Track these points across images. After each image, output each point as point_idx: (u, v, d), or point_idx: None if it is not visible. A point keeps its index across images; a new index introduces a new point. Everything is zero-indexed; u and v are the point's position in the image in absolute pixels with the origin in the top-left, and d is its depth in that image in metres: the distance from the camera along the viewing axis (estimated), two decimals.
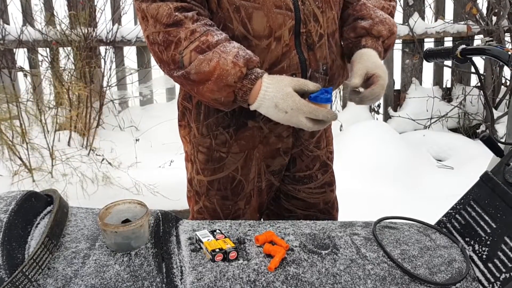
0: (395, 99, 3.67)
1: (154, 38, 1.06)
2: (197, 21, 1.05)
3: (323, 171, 1.37)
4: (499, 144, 1.09)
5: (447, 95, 3.67)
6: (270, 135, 1.25)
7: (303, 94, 1.05)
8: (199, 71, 1.03)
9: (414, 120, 3.52)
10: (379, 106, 3.67)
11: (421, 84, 3.67)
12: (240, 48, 1.05)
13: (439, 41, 3.58)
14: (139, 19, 1.10)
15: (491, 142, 1.06)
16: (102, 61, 3.12)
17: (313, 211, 1.38)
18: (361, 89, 1.17)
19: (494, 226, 1.00)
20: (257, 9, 1.09)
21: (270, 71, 1.13)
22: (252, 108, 1.07)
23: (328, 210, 1.41)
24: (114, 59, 3.23)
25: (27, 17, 3.12)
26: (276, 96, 1.04)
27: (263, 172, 1.29)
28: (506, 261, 0.95)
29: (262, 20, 1.09)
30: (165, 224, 1.03)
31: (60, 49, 3.05)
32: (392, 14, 1.26)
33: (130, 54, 3.37)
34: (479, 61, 3.67)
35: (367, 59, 1.16)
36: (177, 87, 3.61)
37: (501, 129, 3.21)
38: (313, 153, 1.34)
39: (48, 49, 3.06)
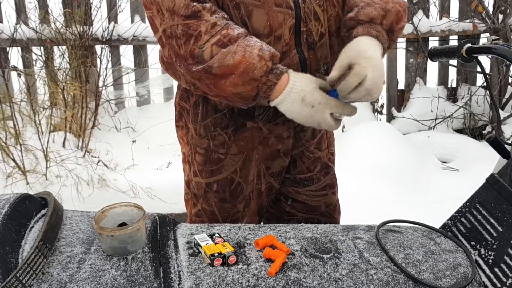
0: (399, 99, 3.66)
1: (173, 31, 1.03)
2: (216, 13, 1.03)
3: (325, 173, 1.35)
4: (505, 145, 1.08)
5: (452, 95, 3.65)
6: (270, 136, 1.23)
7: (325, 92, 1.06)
8: (222, 64, 1.01)
9: (418, 121, 3.51)
10: (382, 106, 3.66)
11: (425, 84, 3.65)
12: (263, 43, 1.04)
13: (444, 39, 3.57)
14: (152, 13, 1.07)
15: (497, 144, 1.06)
16: (98, 60, 3.11)
17: (314, 214, 1.36)
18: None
19: (501, 230, 0.99)
20: (257, 6, 1.07)
21: None
22: (273, 103, 1.06)
23: (330, 213, 1.39)
24: (110, 58, 3.21)
25: (21, 15, 3.11)
26: (304, 89, 1.03)
27: (262, 174, 1.27)
28: None
29: (262, 18, 1.08)
30: (162, 228, 1.02)
31: (55, 48, 3.04)
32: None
33: (126, 53, 3.36)
34: (485, 60, 3.64)
35: (351, 48, 1.06)
36: (175, 87, 3.61)
37: (507, 130, 3.20)
38: (314, 155, 1.32)
39: (42, 48, 3.05)
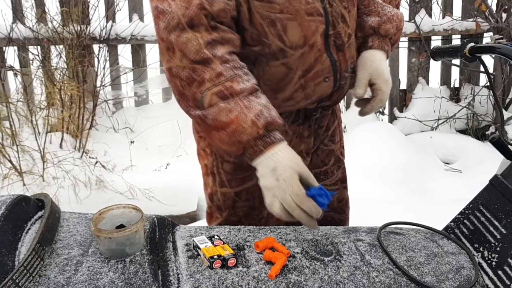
0: (401, 100, 3.64)
1: (177, 72, 1.02)
2: (226, 63, 1.01)
3: (337, 166, 1.37)
4: (509, 146, 1.07)
5: (455, 95, 3.64)
6: (293, 138, 1.24)
7: (305, 184, 1.01)
8: (216, 118, 1.00)
9: (420, 121, 3.49)
10: (384, 106, 3.65)
11: (428, 83, 3.64)
12: (265, 107, 1.01)
13: (446, 39, 3.56)
14: (162, 49, 1.05)
15: (501, 144, 1.05)
16: (96, 59, 3.09)
17: (327, 210, 1.36)
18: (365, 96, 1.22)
19: (504, 232, 0.98)
20: (290, 19, 1.08)
21: (304, 77, 1.13)
22: (253, 163, 1.03)
23: (342, 208, 1.40)
24: (108, 58, 3.20)
25: (18, 14, 3.09)
26: (281, 162, 0.99)
27: None
28: None
29: (296, 30, 1.09)
30: (161, 230, 1.01)
31: (52, 47, 3.02)
32: (398, 5, 1.27)
33: (124, 52, 3.34)
34: (488, 59, 3.64)
35: (370, 65, 1.19)
36: None
37: (511, 130, 3.19)
38: (328, 147, 1.33)
39: (39, 47, 3.03)
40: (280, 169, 0.98)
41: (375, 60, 1.19)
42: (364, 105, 1.23)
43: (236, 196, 1.25)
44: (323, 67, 1.13)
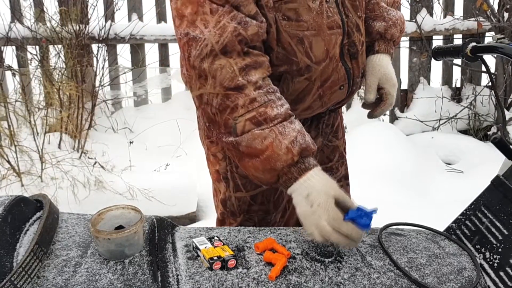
0: (402, 100, 3.63)
1: (210, 99, 1.00)
2: (260, 89, 1.00)
3: (341, 163, 1.38)
4: (511, 146, 1.06)
5: (456, 95, 3.63)
6: None
7: (342, 207, 0.98)
8: (250, 145, 0.98)
9: (422, 122, 3.49)
10: None
11: (429, 83, 3.63)
12: (300, 133, 1.00)
13: (448, 38, 3.55)
14: (192, 76, 1.02)
15: (502, 145, 1.04)
16: (95, 59, 3.09)
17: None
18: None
19: (506, 233, 0.98)
20: (315, 35, 1.09)
21: (322, 87, 1.14)
22: (287, 191, 1.01)
23: None
24: (107, 58, 3.20)
25: (16, 13, 3.08)
26: (314, 187, 0.97)
27: None
28: None
29: (320, 45, 1.10)
30: (160, 231, 1.00)
31: (50, 47, 3.01)
32: (399, 7, 1.31)
33: (123, 52, 3.33)
34: (490, 59, 3.64)
35: (378, 70, 1.23)
36: (174, 87, 3.61)
37: None
38: (332, 143, 1.35)
39: (37, 47, 3.02)
40: (314, 195, 0.96)
41: (383, 65, 1.23)
42: (373, 108, 1.26)
43: (251, 200, 1.24)
44: (339, 76, 1.15)
